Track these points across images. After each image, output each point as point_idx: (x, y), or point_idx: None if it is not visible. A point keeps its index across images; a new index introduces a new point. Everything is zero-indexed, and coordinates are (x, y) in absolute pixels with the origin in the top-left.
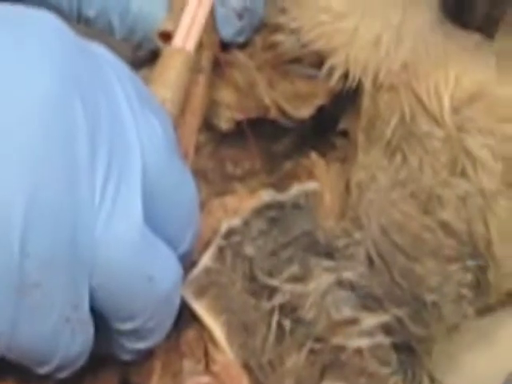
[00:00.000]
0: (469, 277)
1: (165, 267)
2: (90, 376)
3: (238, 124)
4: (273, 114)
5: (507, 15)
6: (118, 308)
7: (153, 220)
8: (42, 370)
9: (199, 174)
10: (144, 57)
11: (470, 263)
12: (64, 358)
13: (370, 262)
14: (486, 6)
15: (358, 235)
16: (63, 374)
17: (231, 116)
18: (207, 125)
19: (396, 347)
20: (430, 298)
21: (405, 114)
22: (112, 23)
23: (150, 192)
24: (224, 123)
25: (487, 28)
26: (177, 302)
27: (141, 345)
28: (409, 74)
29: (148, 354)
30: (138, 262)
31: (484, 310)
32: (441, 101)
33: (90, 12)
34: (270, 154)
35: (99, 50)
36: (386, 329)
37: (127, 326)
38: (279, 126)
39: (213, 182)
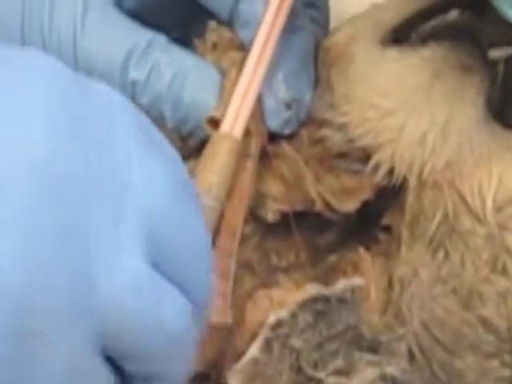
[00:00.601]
0: (507, 372)
1: (175, 309)
2: None
3: (284, 216)
4: (318, 207)
5: None
6: (131, 353)
7: (159, 263)
8: None
9: (244, 265)
10: (194, 146)
11: (509, 359)
12: None
13: (412, 356)
14: None
15: (400, 330)
16: None
17: (277, 208)
18: (253, 216)
19: None
20: None
21: (448, 211)
22: (164, 113)
23: (153, 234)
24: (270, 215)
25: None
26: (191, 345)
27: None
28: (453, 172)
29: None
30: (146, 305)
31: None
32: (484, 200)
33: (143, 100)
34: (314, 246)
35: (103, 87)
36: None
37: (142, 370)
38: (324, 219)
39: (258, 273)
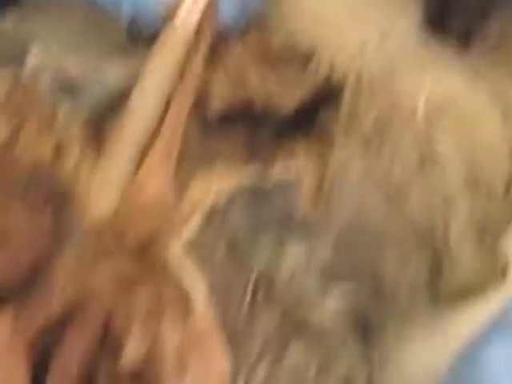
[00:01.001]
0: (425, 264)
1: None
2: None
3: (226, 113)
4: (259, 105)
5: (485, 30)
6: None
7: None
8: None
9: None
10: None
11: (428, 252)
12: None
13: (338, 243)
14: (465, 17)
15: (328, 219)
16: None
17: (220, 105)
18: (196, 112)
19: (355, 323)
20: (389, 278)
21: (381, 112)
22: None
23: None
24: (212, 111)
25: (464, 40)
26: None
27: None
28: (388, 77)
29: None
30: None
31: (437, 300)
32: (415, 103)
33: None
34: (253, 141)
35: None
36: (348, 305)
37: None
38: (264, 117)
39: (198, 163)
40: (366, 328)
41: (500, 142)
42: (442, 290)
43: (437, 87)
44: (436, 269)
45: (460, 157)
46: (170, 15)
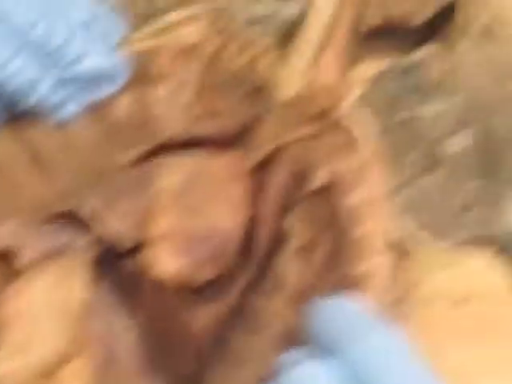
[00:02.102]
0: None
1: None
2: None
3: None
4: (398, 22)
5: None
6: None
7: None
8: None
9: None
10: None
11: None
12: None
13: (461, 107)
14: None
15: (454, 90)
16: None
17: (370, 22)
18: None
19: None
20: (499, 141)
21: (486, 20)
22: None
23: None
24: (364, 26)
25: None
26: None
27: None
28: None
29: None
30: None
31: None
32: (509, 12)
33: None
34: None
35: None
36: (474, 143)
37: None
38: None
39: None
40: (487, 171)
41: None
42: None
43: None
44: None
45: None
46: None
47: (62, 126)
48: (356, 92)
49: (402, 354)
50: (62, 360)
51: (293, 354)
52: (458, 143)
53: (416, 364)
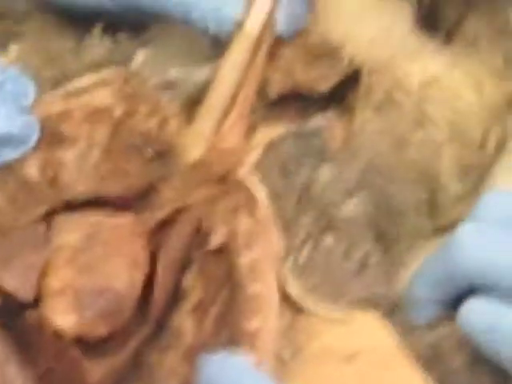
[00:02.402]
0: (425, 196)
1: None
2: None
3: (280, 94)
4: (303, 88)
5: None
6: None
7: None
8: None
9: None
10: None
11: (426, 187)
12: None
13: (358, 173)
14: (447, 20)
15: (352, 157)
16: None
17: (276, 89)
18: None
19: (372, 225)
20: (398, 207)
21: (387, 87)
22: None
23: None
24: (271, 93)
25: (447, 37)
26: None
27: None
28: (391, 62)
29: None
30: None
31: (439, 231)
32: (411, 80)
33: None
34: (300, 111)
35: None
36: (367, 210)
37: None
38: (307, 96)
39: (261, 122)
40: (381, 235)
41: (474, 108)
42: (440, 222)
43: (426, 70)
44: (433, 203)
45: (445, 118)
46: (239, 26)
47: None
48: (254, 155)
49: None
50: None
51: None
52: (353, 207)
53: None
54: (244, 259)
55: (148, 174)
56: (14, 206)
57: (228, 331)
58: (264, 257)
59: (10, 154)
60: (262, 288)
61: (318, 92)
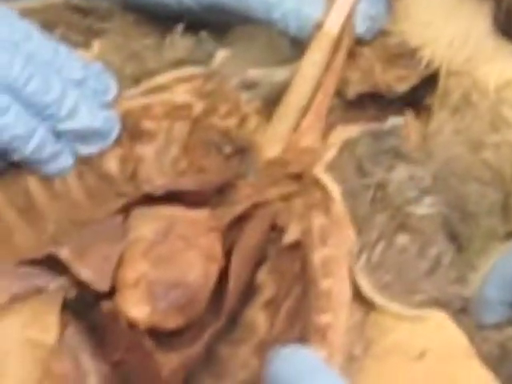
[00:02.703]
0: (499, 198)
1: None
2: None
3: (359, 94)
4: (382, 88)
5: None
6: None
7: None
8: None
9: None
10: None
11: (500, 190)
12: None
13: (433, 174)
14: None
15: (427, 159)
16: None
17: (355, 88)
18: (337, 93)
19: (445, 226)
20: (471, 208)
21: (465, 89)
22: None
23: None
24: (350, 93)
25: None
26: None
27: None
28: (469, 65)
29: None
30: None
31: (511, 235)
32: (488, 83)
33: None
34: (378, 113)
35: None
36: (440, 211)
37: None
38: (386, 98)
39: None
40: (455, 235)
41: None
42: None
43: (504, 72)
44: (507, 205)
45: None
46: (319, 26)
47: (54, 176)
48: (331, 154)
49: None
50: None
51: None
52: (427, 207)
53: None
54: (317, 255)
55: (225, 171)
56: (92, 200)
57: (299, 326)
58: (337, 253)
59: (91, 149)
60: (334, 284)
61: (396, 92)
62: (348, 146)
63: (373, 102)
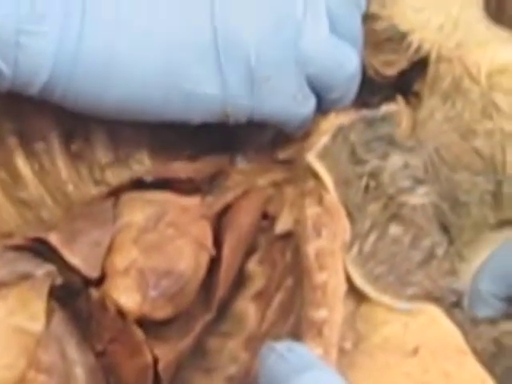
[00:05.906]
0: (490, 187)
1: (350, 58)
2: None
3: None
4: (370, 72)
5: None
6: (325, 85)
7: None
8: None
9: None
10: None
11: (491, 177)
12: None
13: (425, 161)
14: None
15: (419, 146)
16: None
17: None
18: None
19: (437, 215)
20: (462, 197)
21: (455, 75)
22: None
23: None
24: None
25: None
26: (356, 82)
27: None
28: (460, 50)
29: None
30: (332, 54)
31: (502, 224)
32: (479, 68)
33: None
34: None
35: None
36: (433, 200)
37: (332, 95)
38: (374, 82)
39: None
40: (446, 226)
41: None
42: (504, 215)
43: (495, 58)
44: (498, 194)
45: None
46: None
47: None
48: (323, 141)
49: None
50: None
51: None
52: (421, 197)
53: None
54: (312, 247)
55: (216, 158)
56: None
57: (293, 320)
58: (332, 246)
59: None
60: (330, 277)
61: (384, 76)
62: (341, 132)
63: (362, 88)
